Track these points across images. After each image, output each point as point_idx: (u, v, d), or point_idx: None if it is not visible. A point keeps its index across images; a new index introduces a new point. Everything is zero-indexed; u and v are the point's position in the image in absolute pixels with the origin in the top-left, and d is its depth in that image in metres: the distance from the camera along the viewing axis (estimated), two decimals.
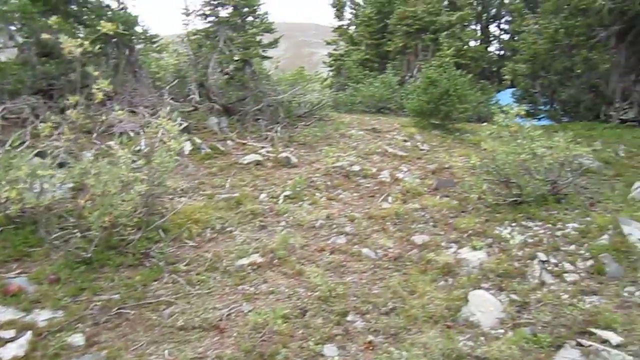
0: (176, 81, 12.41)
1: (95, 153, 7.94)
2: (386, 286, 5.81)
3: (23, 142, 8.12)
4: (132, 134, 9.67)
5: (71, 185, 6.81)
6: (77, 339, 4.69)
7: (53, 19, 7.74)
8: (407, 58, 22.31)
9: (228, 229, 7.24)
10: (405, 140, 12.00)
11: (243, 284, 5.87)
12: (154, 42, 16.03)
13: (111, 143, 8.47)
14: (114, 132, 9.58)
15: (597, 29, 14.46)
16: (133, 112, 10.51)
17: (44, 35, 7.58)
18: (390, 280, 5.94)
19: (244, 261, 6.31)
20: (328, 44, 24.70)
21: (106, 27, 6.92)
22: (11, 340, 4.56)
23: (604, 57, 15.69)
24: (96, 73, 6.67)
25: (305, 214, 7.69)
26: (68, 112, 6.58)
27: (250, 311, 5.25)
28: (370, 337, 4.88)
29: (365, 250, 6.66)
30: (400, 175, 9.53)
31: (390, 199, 8.53)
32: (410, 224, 7.49)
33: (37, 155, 7.34)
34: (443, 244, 6.81)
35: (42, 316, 4.97)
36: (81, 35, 9.72)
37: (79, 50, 6.46)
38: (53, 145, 7.69)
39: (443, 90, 13.09)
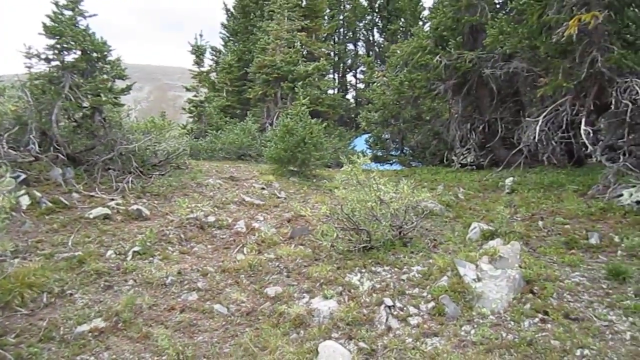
0: (16, 128, 11.36)
1: None
2: (238, 343, 5.66)
3: None
4: None
5: None
6: None
7: None
8: (267, 105, 22.78)
9: (68, 292, 6.61)
10: (262, 188, 12.06)
11: (82, 354, 5.38)
12: None
13: None
14: None
15: (437, 83, 15.89)
16: None
17: None
18: (242, 337, 5.81)
19: (85, 327, 5.79)
20: (187, 90, 24.41)
21: None
22: None
23: (446, 106, 17.25)
24: None
25: (155, 271, 7.29)
26: None
27: None
28: None
29: (217, 307, 6.46)
30: (256, 225, 9.49)
31: (245, 250, 8.41)
32: (264, 275, 7.43)
33: None
34: (296, 294, 6.80)
35: None
36: None
37: None
38: None
39: (299, 138, 13.48)
